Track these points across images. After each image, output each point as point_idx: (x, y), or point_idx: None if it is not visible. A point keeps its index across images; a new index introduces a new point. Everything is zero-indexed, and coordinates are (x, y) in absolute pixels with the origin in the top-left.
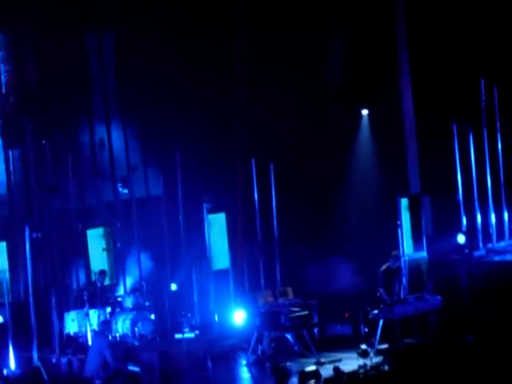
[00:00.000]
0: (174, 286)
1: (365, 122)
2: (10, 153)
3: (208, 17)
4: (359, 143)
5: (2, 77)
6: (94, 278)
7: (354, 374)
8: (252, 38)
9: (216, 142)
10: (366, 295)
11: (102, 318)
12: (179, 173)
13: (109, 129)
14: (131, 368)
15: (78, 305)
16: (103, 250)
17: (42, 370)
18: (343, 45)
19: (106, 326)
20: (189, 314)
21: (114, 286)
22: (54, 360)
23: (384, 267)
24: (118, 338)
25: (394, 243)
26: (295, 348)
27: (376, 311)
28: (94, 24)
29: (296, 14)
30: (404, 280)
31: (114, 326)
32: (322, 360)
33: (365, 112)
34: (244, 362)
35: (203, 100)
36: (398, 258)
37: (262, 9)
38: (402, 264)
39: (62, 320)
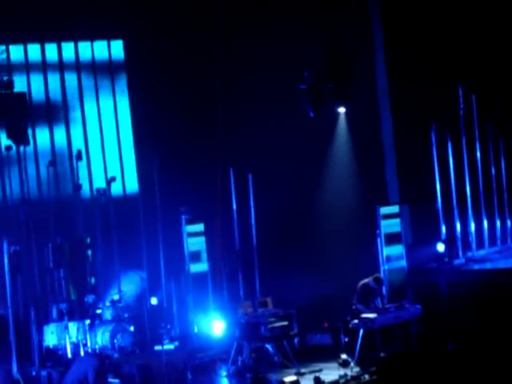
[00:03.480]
0: (154, 300)
1: (342, 123)
2: None
3: (185, 26)
4: (337, 150)
5: None
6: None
7: (334, 383)
8: (229, 48)
9: (194, 152)
10: (345, 305)
11: (81, 330)
12: (157, 183)
13: (86, 140)
14: (111, 380)
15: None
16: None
17: (22, 382)
18: (319, 46)
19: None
20: (168, 326)
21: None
22: (33, 373)
23: (363, 283)
24: (97, 351)
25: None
26: (275, 358)
27: (356, 321)
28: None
29: (271, 17)
30: (384, 290)
31: (93, 339)
32: (303, 370)
33: (342, 110)
34: (224, 373)
35: (181, 109)
36: (380, 282)
37: (236, 16)
38: (382, 274)
39: (41, 333)
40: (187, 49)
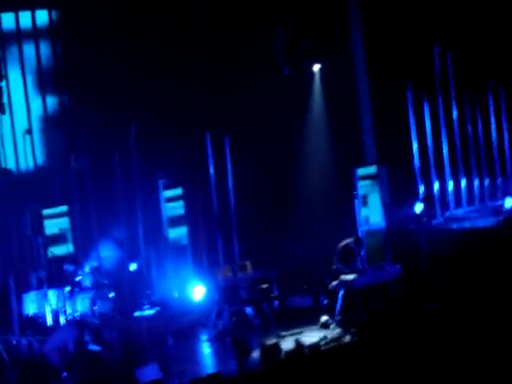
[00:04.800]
0: (133, 266)
1: (317, 84)
2: None
3: None
4: (313, 112)
5: None
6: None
7: (315, 346)
8: (203, 10)
9: (171, 117)
10: (325, 266)
11: (60, 298)
12: (134, 149)
13: (63, 103)
14: (91, 347)
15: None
16: (60, 230)
17: (3, 351)
18: (294, 3)
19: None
20: (148, 291)
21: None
22: (14, 341)
23: (343, 244)
24: (77, 318)
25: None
26: (255, 322)
27: (336, 282)
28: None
29: None
30: (362, 252)
31: (73, 306)
32: (283, 333)
33: (316, 68)
34: (205, 337)
35: (159, 74)
36: (359, 243)
37: None
38: (360, 234)
39: (20, 301)
40: (162, 11)
